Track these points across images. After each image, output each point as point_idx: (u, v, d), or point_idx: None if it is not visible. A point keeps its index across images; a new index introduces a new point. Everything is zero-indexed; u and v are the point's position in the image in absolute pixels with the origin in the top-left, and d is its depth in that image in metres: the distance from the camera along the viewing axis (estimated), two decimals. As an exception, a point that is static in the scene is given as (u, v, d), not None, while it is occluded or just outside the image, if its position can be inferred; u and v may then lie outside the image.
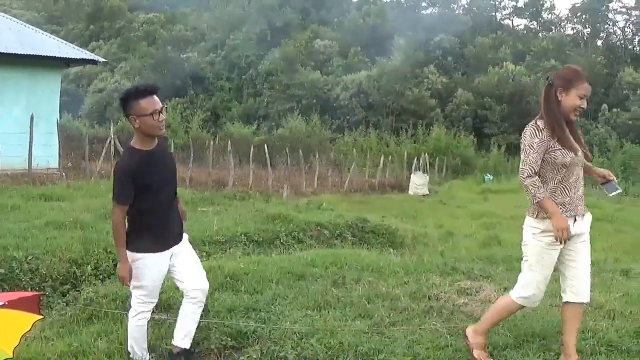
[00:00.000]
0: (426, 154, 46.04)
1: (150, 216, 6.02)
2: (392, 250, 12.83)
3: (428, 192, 36.70)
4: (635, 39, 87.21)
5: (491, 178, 48.34)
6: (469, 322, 7.14)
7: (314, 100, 70.23)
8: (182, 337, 6.24)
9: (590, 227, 6.11)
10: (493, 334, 6.66)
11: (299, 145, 40.45)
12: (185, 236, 6.36)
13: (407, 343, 6.44)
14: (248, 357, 6.30)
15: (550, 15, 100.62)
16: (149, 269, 6.02)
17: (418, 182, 37.57)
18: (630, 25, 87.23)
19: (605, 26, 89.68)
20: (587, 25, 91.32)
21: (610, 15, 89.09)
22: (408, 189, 37.56)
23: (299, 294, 8.08)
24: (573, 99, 5.87)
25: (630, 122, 63.07)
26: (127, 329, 6.22)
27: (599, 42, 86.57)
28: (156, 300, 6.28)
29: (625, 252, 16.74)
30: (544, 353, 6.32)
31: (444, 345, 6.40)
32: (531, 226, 6.05)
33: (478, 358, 6.11)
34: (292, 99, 71.40)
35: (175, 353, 6.26)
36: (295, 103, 70.08)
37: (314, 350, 6.23)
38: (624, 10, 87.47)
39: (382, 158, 41.10)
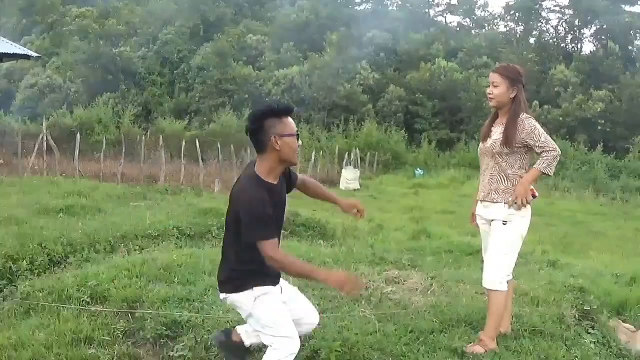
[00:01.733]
0: (357, 149, 46.25)
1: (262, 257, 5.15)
2: (322, 242, 13.05)
3: (359, 187, 36.99)
4: (567, 37, 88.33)
5: (422, 173, 48.79)
6: (396, 308, 7.42)
7: (246, 95, 69.77)
8: None
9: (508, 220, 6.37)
10: (421, 320, 6.94)
11: (231, 140, 40.35)
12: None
13: (337, 329, 6.61)
14: (183, 345, 6.43)
15: (483, 12, 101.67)
16: (275, 300, 5.37)
17: (349, 177, 37.84)
18: (563, 24, 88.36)
19: (538, 24, 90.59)
20: (520, 23, 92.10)
21: (543, 14, 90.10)
22: (339, 184, 37.79)
23: (231, 285, 8.20)
24: None
25: (561, 118, 63.88)
26: None
27: (532, 40, 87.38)
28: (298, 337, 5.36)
29: (554, 245, 17.29)
30: (469, 337, 6.59)
31: (372, 331, 6.62)
32: None
33: None
34: (224, 93, 70.90)
35: None
36: (227, 98, 69.58)
37: (246, 337, 6.34)
38: (557, 8, 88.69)
39: (313, 153, 41.16)
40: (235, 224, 5.21)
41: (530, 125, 6.25)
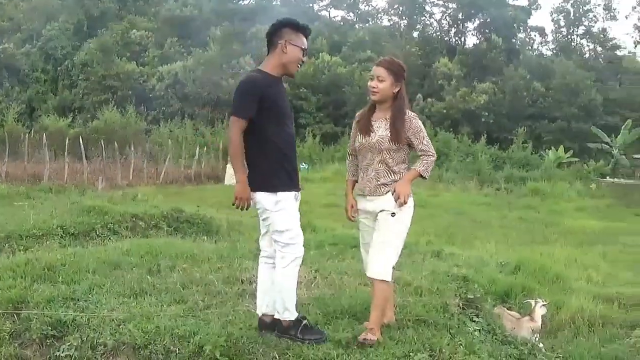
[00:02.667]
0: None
1: (283, 147, 6.15)
2: (206, 238, 13.13)
3: (245, 182, 36.84)
4: (451, 30, 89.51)
5: (306, 167, 48.82)
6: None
7: (130, 92, 68.93)
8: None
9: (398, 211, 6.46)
10: (305, 313, 6.98)
11: (114, 137, 40.00)
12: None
13: (221, 324, 6.63)
14: (69, 345, 6.38)
15: (367, 7, 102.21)
16: (292, 208, 6.17)
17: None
18: (447, 17, 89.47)
19: (422, 18, 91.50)
20: (404, 17, 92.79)
21: (427, 8, 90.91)
22: (224, 180, 37.68)
23: (115, 283, 8.18)
24: None
25: (445, 110, 64.74)
26: (276, 287, 6.33)
27: (415, 34, 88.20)
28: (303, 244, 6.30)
29: (438, 235, 17.58)
30: (352, 329, 6.64)
31: (256, 325, 6.63)
32: None
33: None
34: (108, 90, 69.72)
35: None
36: (110, 94, 68.48)
37: (132, 335, 6.35)
38: (441, 2, 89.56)
39: (197, 149, 41.02)
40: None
41: (417, 126, 6.46)
